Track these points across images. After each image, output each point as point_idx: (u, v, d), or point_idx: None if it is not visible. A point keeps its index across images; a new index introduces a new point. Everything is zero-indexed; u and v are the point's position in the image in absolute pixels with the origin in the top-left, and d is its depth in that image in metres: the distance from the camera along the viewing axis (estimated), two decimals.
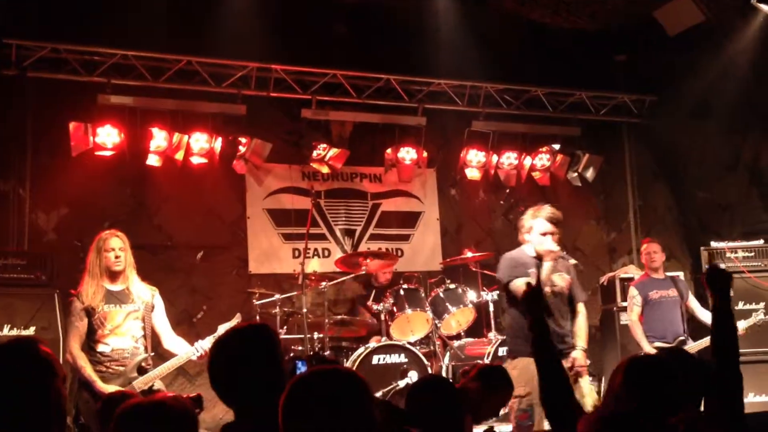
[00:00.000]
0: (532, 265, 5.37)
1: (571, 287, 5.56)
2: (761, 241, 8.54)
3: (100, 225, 7.22)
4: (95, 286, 5.32)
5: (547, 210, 5.52)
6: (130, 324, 5.37)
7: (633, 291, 7.44)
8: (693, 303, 7.50)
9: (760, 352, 7.86)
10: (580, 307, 5.59)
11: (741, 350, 7.04)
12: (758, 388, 7.75)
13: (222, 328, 5.28)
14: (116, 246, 5.41)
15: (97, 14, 7.35)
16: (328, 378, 2.19)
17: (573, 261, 5.81)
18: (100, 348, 5.26)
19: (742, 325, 7.18)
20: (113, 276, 5.39)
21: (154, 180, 7.96)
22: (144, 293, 5.48)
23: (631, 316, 7.33)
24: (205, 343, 5.35)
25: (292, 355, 6.82)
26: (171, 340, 5.52)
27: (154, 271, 7.84)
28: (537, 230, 5.47)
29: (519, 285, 5.21)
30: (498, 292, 6.39)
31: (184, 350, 5.41)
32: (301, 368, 2.91)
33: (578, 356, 5.35)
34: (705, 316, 7.33)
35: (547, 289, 5.34)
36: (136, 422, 2.46)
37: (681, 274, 8.56)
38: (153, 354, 5.48)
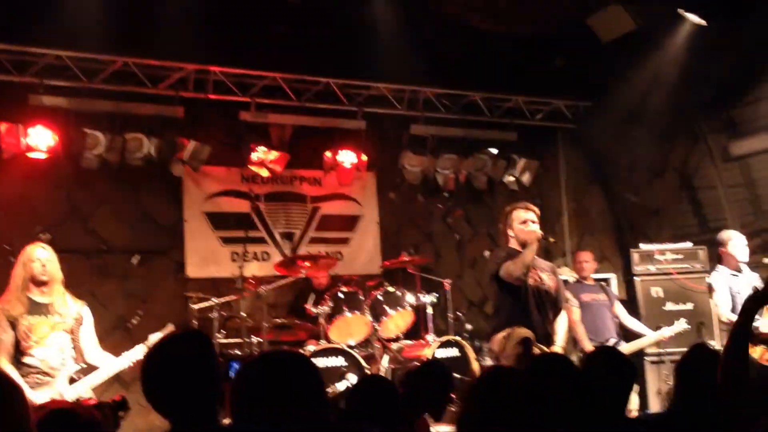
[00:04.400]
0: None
1: (558, 289, 5.82)
2: (689, 244, 8.81)
3: (32, 229, 7.08)
4: (18, 296, 5.22)
5: (520, 202, 5.94)
6: (57, 335, 5.28)
7: (567, 294, 7.59)
8: (619, 309, 7.72)
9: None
10: (564, 309, 5.84)
11: (668, 350, 7.33)
12: None
13: (153, 338, 5.29)
14: (41, 256, 5.31)
15: (30, 13, 7.17)
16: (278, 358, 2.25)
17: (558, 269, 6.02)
18: (27, 360, 5.16)
19: (667, 332, 7.40)
20: (39, 286, 5.29)
21: (88, 183, 7.83)
22: (72, 306, 5.41)
23: (571, 317, 7.44)
24: (136, 353, 5.32)
25: (224, 358, 6.77)
26: (95, 355, 5.47)
27: (88, 276, 7.75)
28: (516, 221, 5.66)
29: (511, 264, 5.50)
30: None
31: (110, 363, 5.38)
32: (235, 369, 2.90)
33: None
34: (630, 322, 7.57)
35: (531, 280, 5.51)
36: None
37: (613, 276, 8.81)
38: (84, 366, 5.41)
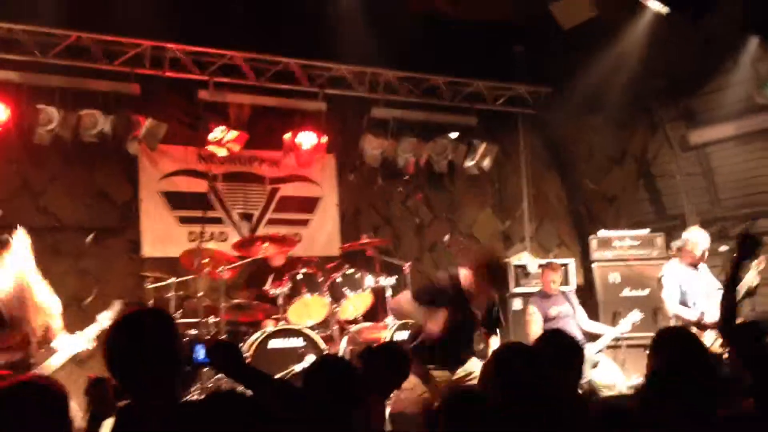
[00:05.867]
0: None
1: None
2: (647, 231, 8.91)
3: None
4: None
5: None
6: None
7: (532, 308, 7.66)
8: (580, 314, 7.76)
9: (643, 337, 8.18)
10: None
11: (624, 334, 7.37)
12: (642, 371, 8.08)
13: (102, 316, 5.25)
14: None
15: None
16: None
17: None
18: None
19: (625, 326, 7.45)
20: None
21: (40, 159, 7.65)
22: None
23: (534, 330, 7.46)
24: (90, 332, 5.21)
25: (188, 339, 6.67)
26: (59, 340, 5.25)
27: (39, 254, 7.53)
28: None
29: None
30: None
31: (70, 346, 5.22)
32: (199, 351, 2.89)
33: None
34: (589, 326, 7.64)
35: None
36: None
37: (571, 261, 8.87)
38: (43, 350, 5.22)
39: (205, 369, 6.30)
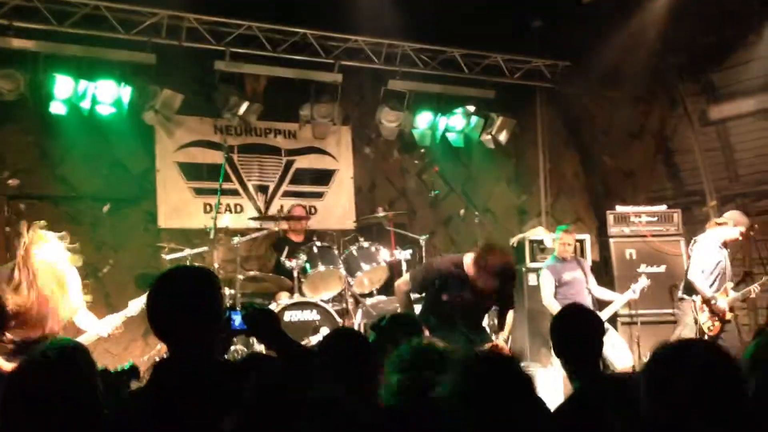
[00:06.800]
0: None
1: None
2: (664, 207, 8.85)
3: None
4: None
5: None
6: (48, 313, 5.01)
7: (545, 272, 7.57)
8: (591, 281, 7.73)
9: (658, 314, 8.19)
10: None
11: (640, 311, 7.43)
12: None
13: (133, 303, 5.24)
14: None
15: None
16: None
17: None
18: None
19: (636, 290, 7.45)
20: None
21: (58, 129, 7.62)
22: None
23: (546, 295, 7.44)
24: (116, 320, 5.21)
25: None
26: (81, 317, 5.20)
27: (56, 223, 7.54)
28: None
29: None
30: None
31: (94, 329, 5.17)
32: (236, 318, 2.90)
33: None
34: (599, 292, 7.62)
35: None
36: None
37: (587, 237, 8.82)
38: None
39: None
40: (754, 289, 7.24)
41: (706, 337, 6.86)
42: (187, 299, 2.55)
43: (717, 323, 7.01)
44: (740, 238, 7.22)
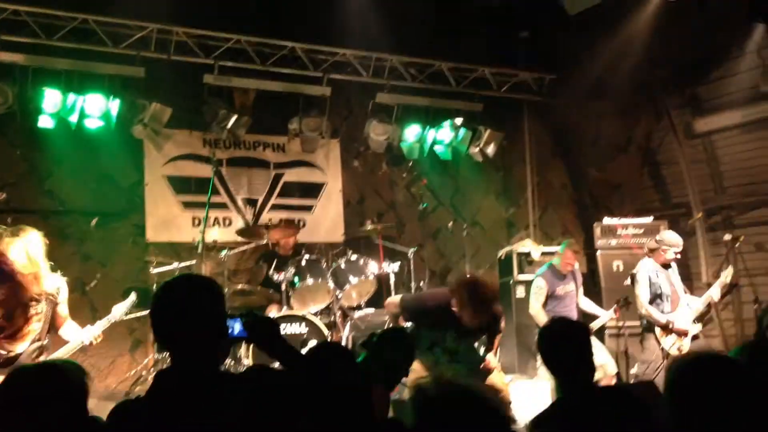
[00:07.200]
0: None
1: None
2: (650, 219, 8.91)
3: None
4: None
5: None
6: (33, 326, 4.93)
7: (541, 282, 7.47)
8: (580, 293, 7.72)
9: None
10: None
11: (627, 323, 7.44)
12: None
13: (116, 309, 5.19)
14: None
15: None
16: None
17: None
18: None
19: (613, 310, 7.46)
20: None
21: (46, 142, 7.63)
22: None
23: (535, 305, 7.42)
24: (95, 329, 5.13)
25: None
26: (66, 328, 5.12)
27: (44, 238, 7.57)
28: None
29: None
30: None
31: (77, 337, 5.09)
32: (235, 325, 2.88)
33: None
34: (586, 305, 7.63)
35: None
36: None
37: None
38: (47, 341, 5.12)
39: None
40: (725, 278, 7.20)
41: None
42: (191, 308, 2.55)
43: (683, 342, 6.95)
44: (677, 257, 7.15)
